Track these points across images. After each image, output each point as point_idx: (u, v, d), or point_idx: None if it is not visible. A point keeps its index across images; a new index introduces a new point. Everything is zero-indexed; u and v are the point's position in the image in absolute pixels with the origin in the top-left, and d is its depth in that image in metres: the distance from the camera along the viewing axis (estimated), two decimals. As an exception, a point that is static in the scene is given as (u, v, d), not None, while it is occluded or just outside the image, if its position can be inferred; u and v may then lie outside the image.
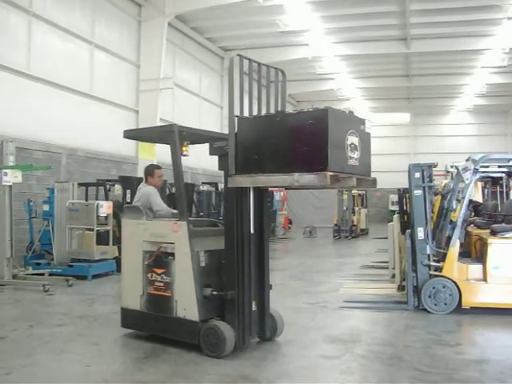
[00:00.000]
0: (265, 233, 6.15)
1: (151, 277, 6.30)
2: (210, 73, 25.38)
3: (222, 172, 5.93)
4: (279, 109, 5.95)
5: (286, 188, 6.31)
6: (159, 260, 6.24)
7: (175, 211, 6.56)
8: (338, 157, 5.06)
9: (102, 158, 16.95)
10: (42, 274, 11.17)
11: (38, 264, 11.91)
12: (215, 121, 24.27)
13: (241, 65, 5.70)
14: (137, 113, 19.14)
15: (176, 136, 6.19)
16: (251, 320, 5.99)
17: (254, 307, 6.02)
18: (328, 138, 4.92)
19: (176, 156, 6.19)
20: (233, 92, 5.60)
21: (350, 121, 5.38)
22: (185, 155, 6.23)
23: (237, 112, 5.62)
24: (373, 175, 5.65)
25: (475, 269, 8.18)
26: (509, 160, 9.23)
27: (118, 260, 10.76)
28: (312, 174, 4.95)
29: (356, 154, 5.29)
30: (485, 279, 8.00)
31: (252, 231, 5.87)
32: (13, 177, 10.28)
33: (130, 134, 7.53)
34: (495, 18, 20.57)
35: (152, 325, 6.34)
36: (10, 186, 10.40)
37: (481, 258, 8.35)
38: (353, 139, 5.25)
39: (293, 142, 5.18)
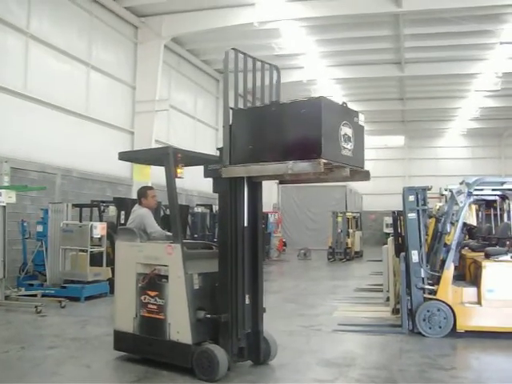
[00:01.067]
0: (259, 255, 6.13)
1: (144, 299, 6.26)
2: (206, 95, 25.52)
3: (217, 194, 5.94)
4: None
5: (281, 181, 6.29)
6: (153, 282, 6.21)
7: (169, 233, 6.55)
8: (332, 146, 5.09)
9: (97, 179, 16.93)
10: (35, 295, 11.08)
11: (31, 285, 11.83)
12: (210, 142, 24.31)
13: (236, 59, 5.77)
14: (132, 134, 19.17)
15: (171, 158, 6.20)
16: (245, 343, 5.96)
17: (247, 300, 5.95)
18: (321, 126, 4.97)
19: (171, 178, 6.19)
20: (227, 84, 5.68)
21: (344, 112, 5.42)
22: (180, 177, 6.24)
23: (232, 105, 5.68)
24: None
25: (470, 292, 8.16)
26: (502, 183, 9.26)
27: (111, 282, 10.69)
28: (306, 162, 4.98)
29: (349, 145, 5.31)
30: (479, 302, 7.98)
31: (246, 224, 5.83)
32: (7, 197, 10.26)
33: (125, 156, 7.55)
34: (488, 42, 20.82)
35: (145, 348, 6.29)
36: (4, 206, 10.36)
37: (475, 281, 8.34)
38: (346, 130, 5.29)
39: (287, 131, 5.24)
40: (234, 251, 5.81)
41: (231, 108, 5.73)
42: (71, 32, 16.05)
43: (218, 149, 5.97)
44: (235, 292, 5.81)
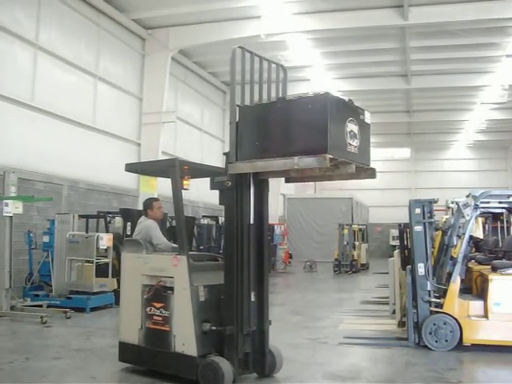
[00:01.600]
0: (264, 267, 6.12)
1: (150, 311, 6.26)
2: (212, 107, 25.60)
3: (223, 206, 5.94)
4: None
5: (287, 179, 6.30)
6: (158, 294, 6.21)
7: (175, 245, 6.55)
8: (338, 142, 5.09)
9: (104, 190, 16.98)
10: (41, 306, 11.09)
11: (37, 295, 11.84)
12: (217, 154, 24.29)
13: (243, 57, 5.80)
14: (139, 145, 19.23)
15: (177, 170, 6.21)
16: (250, 356, 5.94)
17: (253, 298, 5.92)
18: (328, 122, 4.97)
19: (177, 190, 6.21)
20: (234, 82, 5.70)
21: (350, 109, 5.42)
22: (186, 189, 6.25)
23: (238, 102, 5.72)
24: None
25: (476, 305, 8.12)
26: (509, 196, 9.23)
27: (116, 293, 10.68)
28: (312, 157, 4.98)
29: (355, 142, 5.31)
30: (486, 316, 7.93)
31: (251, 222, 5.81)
32: (14, 208, 10.29)
33: (132, 168, 7.57)
34: (494, 55, 20.87)
35: (150, 359, 6.28)
36: (11, 216, 10.39)
37: (482, 295, 8.29)
38: (352, 127, 5.28)
39: (293, 127, 5.26)
40: (239, 263, 5.80)
41: (237, 105, 5.75)
42: (79, 43, 16.18)
43: (224, 153, 5.99)
44: (241, 304, 5.80)
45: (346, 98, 5.45)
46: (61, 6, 15.18)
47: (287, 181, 6.47)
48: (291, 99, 5.49)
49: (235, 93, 5.72)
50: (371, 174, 5.72)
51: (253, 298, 5.95)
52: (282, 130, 5.34)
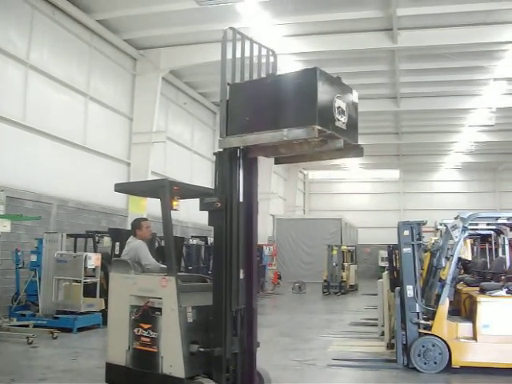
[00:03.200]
0: (253, 287, 6.10)
1: (138, 332, 6.21)
2: (203, 127, 25.67)
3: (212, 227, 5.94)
4: None
5: (276, 161, 6.32)
6: (146, 315, 6.16)
7: (164, 266, 6.53)
8: (326, 114, 5.14)
9: (93, 209, 16.92)
10: (27, 326, 10.97)
11: (23, 315, 11.71)
12: (207, 175, 24.37)
13: (234, 39, 5.87)
14: (128, 165, 19.21)
15: (167, 191, 6.21)
16: (238, 377, 5.89)
17: (241, 275, 5.85)
18: (316, 94, 5.02)
19: (166, 211, 6.20)
20: (225, 61, 5.83)
21: (338, 85, 5.46)
22: (175, 210, 6.25)
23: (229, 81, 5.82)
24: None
25: (465, 327, 8.13)
26: (497, 218, 9.31)
27: (104, 313, 10.60)
28: (300, 128, 5.04)
29: (343, 118, 5.34)
30: (475, 338, 7.95)
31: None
32: (2, 226, 10.23)
33: (121, 188, 7.57)
34: (482, 78, 21.15)
35: (137, 381, 6.21)
36: (-1, 235, 10.34)
37: (470, 317, 8.31)
38: (340, 103, 5.32)
39: (283, 101, 5.32)
40: (228, 285, 5.78)
41: (228, 84, 5.81)
42: (71, 63, 16.21)
43: (214, 153, 6.02)
44: (230, 326, 5.77)
45: (335, 75, 5.51)
46: (53, 25, 15.24)
47: (277, 162, 6.45)
48: (281, 75, 5.61)
49: (225, 72, 5.80)
50: (359, 152, 5.76)
51: (241, 319, 5.92)
52: (272, 105, 5.40)
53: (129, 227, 11.59)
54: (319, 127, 4.95)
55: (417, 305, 8.22)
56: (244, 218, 5.88)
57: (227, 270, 5.78)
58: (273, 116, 5.35)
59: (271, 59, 6.43)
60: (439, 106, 24.35)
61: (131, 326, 6.27)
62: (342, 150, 5.49)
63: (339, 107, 5.29)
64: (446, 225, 8.67)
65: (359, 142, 5.64)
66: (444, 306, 8.11)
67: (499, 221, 9.25)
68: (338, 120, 5.26)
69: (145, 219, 7.41)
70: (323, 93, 5.12)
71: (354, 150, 5.74)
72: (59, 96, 15.67)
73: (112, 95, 18.44)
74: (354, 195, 41.53)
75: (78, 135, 16.38)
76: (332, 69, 20.56)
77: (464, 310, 8.98)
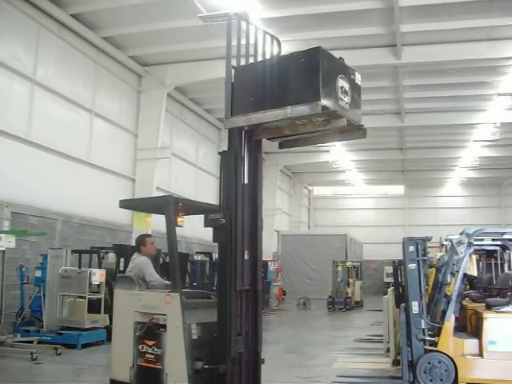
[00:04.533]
0: (258, 303, 6.07)
1: (142, 348, 6.18)
2: (207, 143, 25.73)
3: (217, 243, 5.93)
4: None
5: (280, 145, 6.34)
6: (150, 332, 6.14)
7: (168, 282, 6.51)
8: (329, 92, 5.15)
9: (97, 225, 16.94)
10: (31, 342, 10.98)
11: (27, 331, 11.72)
12: (212, 191, 24.38)
13: (238, 25, 5.88)
14: (133, 181, 19.26)
15: (171, 207, 6.21)
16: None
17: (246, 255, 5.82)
18: (319, 72, 5.06)
19: (171, 227, 6.19)
20: (230, 46, 5.84)
21: (341, 66, 5.48)
22: (180, 226, 6.24)
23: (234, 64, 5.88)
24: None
25: (471, 344, 8.08)
26: (502, 234, 9.28)
27: (108, 329, 10.58)
28: (304, 105, 5.06)
29: (346, 99, 5.36)
30: (481, 354, 7.89)
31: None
32: (6, 242, 10.28)
33: (126, 204, 7.57)
34: (486, 93, 21.15)
35: (141, 398, 6.18)
36: (3, 250, 10.36)
37: (476, 333, 8.26)
38: (343, 83, 5.34)
39: (286, 80, 5.36)
40: (233, 301, 5.75)
41: (233, 67, 5.86)
42: (76, 79, 16.33)
43: (219, 153, 6.05)
44: (234, 343, 5.73)
45: (337, 57, 5.55)
46: (59, 42, 15.37)
47: (281, 146, 6.46)
48: (285, 55, 5.66)
49: (230, 55, 5.85)
50: (363, 133, 5.76)
51: (245, 336, 5.89)
52: (276, 84, 5.45)
53: (133, 243, 11.62)
54: (322, 103, 4.99)
55: (422, 321, 8.17)
56: (249, 231, 5.86)
57: (232, 286, 5.76)
58: (277, 95, 5.39)
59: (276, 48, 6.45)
60: (443, 121, 24.37)
61: (135, 342, 6.24)
62: (345, 132, 5.58)
63: (342, 87, 5.33)
64: (451, 240, 8.65)
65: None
66: (450, 322, 8.07)
67: (505, 236, 9.23)
68: (341, 99, 5.29)
69: (149, 235, 7.42)
70: (326, 71, 5.17)
71: (357, 132, 5.76)
72: (64, 112, 15.76)
73: (117, 111, 18.53)
74: (359, 211, 41.48)
75: (82, 151, 16.45)
76: (336, 85, 20.78)
77: (470, 327, 8.92)
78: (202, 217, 6.11)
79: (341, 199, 43.27)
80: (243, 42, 5.97)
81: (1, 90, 13.47)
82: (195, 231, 19.35)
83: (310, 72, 5.15)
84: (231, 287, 5.75)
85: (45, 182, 14.55)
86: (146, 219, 16.91)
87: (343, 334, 14.94)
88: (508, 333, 7.91)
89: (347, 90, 5.38)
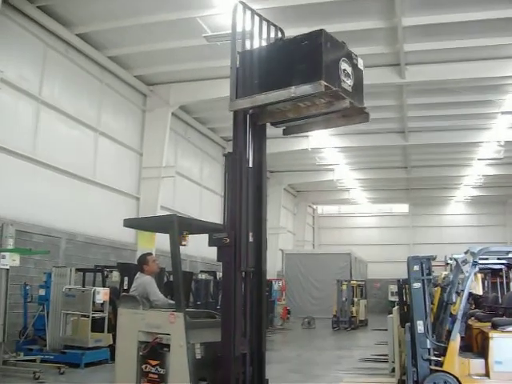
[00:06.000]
0: (263, 322, 6.05)
1: (145, 368, 6.15)
2: (212, 162, 25.77)
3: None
4: None
5: (284, 132, 6.37)
6: (154, 351, 6.11)
7: (172, 302, 6.50)
8: (332, 73, 5.20)
9: (101, 243, 16.94)
10: (34, 361, 10.93)
11: (30, 350, 11.67)
12: (216, 210, 24.34)
13: (244, 13, 5.92)
14: (138, 200, 19.29)
15: (176, 227, 6.22)
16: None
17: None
18: (322, 53, 5.12)
19: (175, 246, 6.19)
20: (235, 32, 5.85)
21: (344, 49, 5.52)
22: (184, 245, 6.24)
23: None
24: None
25: (477, 364, 8.01)
26: (507, 252, 9.24)
27: (112, 348, 10.54)
28: (308, 84, 5.11)
29: (349, 81, 5.39)
30: (487, 375, 7.82)
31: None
32: (11, 260, 10.27)
33: (130, 223, 7.59)
34: (490, 112, 21.20)
35: (145, 418, 6.13)
36: (8, 269, 10.35)
37: (482, 353, 8.19)
38: (346, 66, 5.38)
39: (290, 62, 5.40)
40: (237, 321, 5.73)
41: (238, 52, 5.90)
42: (82, 98, 16.44)
43: (224, 155, 6.08)
44: (238, 362, 5.70)
45: (340, 40, 5.57)
46: (65, 62, 15.51)
47: (285, 132, 6.47)
48: (288, 38, 5.72)
49: (235, 41, 5.88)
50: (365, 117, 5.81)
51: (249, 356, 5.86)
52: (280, 67, 5.50)
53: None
54: (325, 83, 5.03)
55: (428, 341, 8.11)
56: (254, 252, 5.86)
57: (236, 305, 5.74)
58: (281, 77, 5.44)
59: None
60: (447, 139, 24.40)
61: (139, 362, 6.22)
62: (347, 116, 5.64)
63: (345, 70, 5.37)
64: (456, 259, 8.60)
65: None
66: (455, 341, 8.01)
67: (510, 255, 9.18)
68: (344, 82, 5.33)
69: (150, 254, 7.43)
70: (329, 53, 5.23)
71: (360, 116, 5.80)
72: (70, 131, 15.85)
73: (122, 130, 18.62)
74: (363, 229, 41.40)
75: (87, 169, 16.50)
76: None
77: (476, 346, 8.84)
78: (206, 235, 6.12)
79: (345, 218, 43.23)
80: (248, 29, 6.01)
81: (7, 108, 13.57)
82: (199, 250, 19.32)
83: (313, 53, 5.22)
84: (235, 306, 5.73)
85: (49, 200, 14.58)
86: (150, 238, 16.89)
87: (348, 354, 14.83)
88: (514, 353, 7.84)
89: (350, 73, 5.43)
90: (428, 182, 34.76)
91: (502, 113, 20.94)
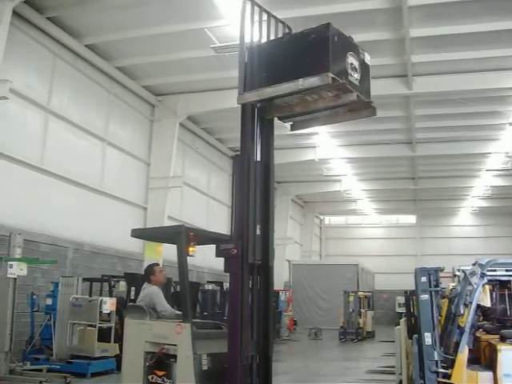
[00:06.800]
0: (270, 332, 6.02)
1: (152, 379, 6.14)
2: (219, 172, 25.80)
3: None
4: None
5: (292, 127, 6.37)
6: (161, 362, 6.10)
7: (179, 312, 6.49)
8: (339, 66, 5.23)
9: (108, 253, 16.95)
10: (40, 370, 10.93)
11: (37, 359, 11.68)
12: (223, 220, 24.36)
13: (252, 11, 5.98)
14: (145, 210, 19.32)
15: (183, 237, 6.22)
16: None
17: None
18: (329, 46, 5.15)
19: (182, 257, 6.19)
20: (243, 29, 5.92)
21: (351, 44, 5.55)
22: (191, 256, 6.24)
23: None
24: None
25: (485, 376, 7.91)
26: (516, 264, 9.16)
27: (118, 358, 10.51)
28: (315, 76, 5.13)
29: (356, 75, 5.41)
30: (496, 388, 7.73)
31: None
32: (18, 269, 10.28)
33: (138, 234, 7.60)
34: (498, 123, 21.15)
35: (151, 429, 6.11)
36: (15, 278, 10.37)
37: (491, 365, 8.11)
38: (353, 60, 5.41)
39: (298, 55, 5.44)
40: (244, 332, 5.71)
41: (246, 47, 5.95)
42: (90, 109, 16.52)
43: (231, 157, 6.11)
44: (245, 372, 5.68)
45: (347, 35, 5.59)
46: (74, 72, 15.62)
47: (293, 128, 6.46)
48: (296, 33, 5.74)
49: (244, 37, 5.94)
50: (372, 111, 5.83)
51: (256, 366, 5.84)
52: (288, 60, 5.53)
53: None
54: (333, 75, 5.05)
55: (435, 353, 8.04)
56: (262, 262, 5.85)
57: (243, 317, 5.73)
58: (288, 70, 5.47)
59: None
60: (455, 151, 24.35)
61: (145, 372, 6.21)
62: (354, 110, 5.66)
63: (352, 64, 5.40)
64: (464, 271, 8.55)
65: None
66: (463, 354, 7.93)
67: (518, 267, 9.11)
68: (351, 75, 5.35)
69: (157, 264, 7.44)
70: (336, 46, 5.25)
71: (367, 110, 5.83)
72: (77, 141, 15.92)
73: (130, 140, 18.68)
74: (371, 240, 41.31)
75: (95, 179, 16.56)
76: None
77: (484, 359, 8.76)
78: (213, 246, 6.12)
79: (352, 228, 43.15)
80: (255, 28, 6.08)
81: (15, 118, 13.65)
82: (206, 260, 19.33)
83: (321, 47, 5.26)
84: (242, 317, 5.72)
85: (57, 210, 14.62)
86: (157, 248, 16.89)
87: (355, 365, 14.75)
88: (523, 365, 7.77)
89: (357, 67, 5.47)
90: (435, 192, 34.65)
91: (510, 124, 20.88)
